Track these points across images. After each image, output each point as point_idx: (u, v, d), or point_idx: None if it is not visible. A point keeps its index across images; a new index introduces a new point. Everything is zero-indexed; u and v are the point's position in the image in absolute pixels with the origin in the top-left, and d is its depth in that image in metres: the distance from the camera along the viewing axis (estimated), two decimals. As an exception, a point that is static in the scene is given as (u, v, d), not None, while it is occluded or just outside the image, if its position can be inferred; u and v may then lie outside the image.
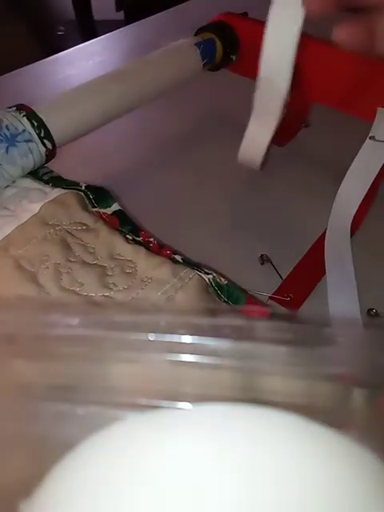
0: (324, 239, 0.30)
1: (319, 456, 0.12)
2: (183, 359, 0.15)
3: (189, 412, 0.14)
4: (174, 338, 0.16)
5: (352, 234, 0.31)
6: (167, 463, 0.12)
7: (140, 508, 0.11)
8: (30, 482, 0.13)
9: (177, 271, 0.22)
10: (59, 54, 0.60)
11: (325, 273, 0.29)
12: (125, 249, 0.23)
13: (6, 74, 0.54)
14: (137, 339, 0.16)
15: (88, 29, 1.24)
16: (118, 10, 1.25)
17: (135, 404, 0.14)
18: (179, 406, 0.14)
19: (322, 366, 0.16)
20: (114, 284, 0.22)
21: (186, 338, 0.16)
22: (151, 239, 0.24)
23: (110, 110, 0.29)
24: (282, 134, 0.36)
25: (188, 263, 0.23)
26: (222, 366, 0.16)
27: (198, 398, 0.14)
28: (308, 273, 0.29)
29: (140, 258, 0.23)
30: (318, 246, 0.30)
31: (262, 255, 0.31)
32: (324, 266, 0.29)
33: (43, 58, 0.59)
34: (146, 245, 0.24)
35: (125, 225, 0.25)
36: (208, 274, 0.23)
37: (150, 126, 0.42)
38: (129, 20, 1.25)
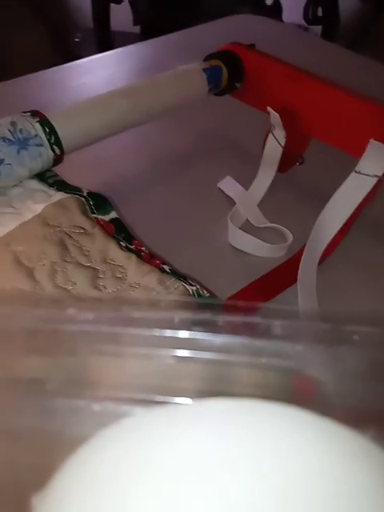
0: (300, 255, 0.33)
1: (325, 451, 0.12)
2: (196, 356, 0.15)
3: (198, 407, 0.14)
4: (188, 334, 0.16)
5: (323, 259, 0.33)
6: (177, 458, 0.12)
7: (150, 502, 0.11)
8: (43, 477, 0.13)
9: (163, 280, 0.24)
10: (76, 61, 0.63)
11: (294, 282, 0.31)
12: (117, 255, 0.25)
13: (23, 77, 0.57)
14: (151, 335, 0.16)
15: (104, 38, 1.28)
16: (135, 23, 1.28)
17: (146, 400, 0.14)
18: (189, 402, 0.14)
19: (334, 362, 0.16)
20: (104, 286, 0.23)
21: (200, 335, 0.16)
22: (143, 248, 0.26)
23: (117, 124, 0.31)
24: (284, 163, 0.39)
25: (175, 274, 0.25)
26: (233, 363, 0.16)
27: (209, 394, 0.14)
28: (280, 278, 0.32)
29: (131, 265, 0.24)
30: (293, 261, 0.33)
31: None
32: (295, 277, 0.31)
33: (59, 63, 0.62)
34: (137, 253, 0.26)
35: (120, 232, 0.27)
36: (192, 285, 0.24)
37: (153, 142, 0.44)
38: (144, 34, 1.29)
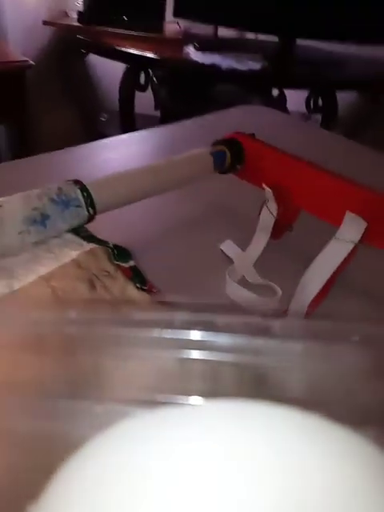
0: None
1: (326, 452, 0.12)
2: (198, 357, 0.16)
3: (201, 408, 0.14)
4: (189, 334, 0.16)
5: (307, 315, 0.38)
6: (178, 461, 0.12)
7: (148, 505, 0.11)
8: (44, 480, 0.13)
9: (169, 313, 0.30)
10: (103, 140, 0.73)
11: None
12: (134, 293, 0.31)
13: (58, 151, 0.66)
14: (153, 336, 0.16)
15: (128, 120, 1.44)
16: (156, 108, 1.46)
17: (150, 401, 0.14)
18: (192, 403, 0.14)
19: (335, 361, 0.16)
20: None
21: (202, 335, 0.16)
22: (154, 289, 0.32)
23: (139, 194, 0.39)
24: (276, 231, 0.46)
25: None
26: (233, 363, 0.16)
27: (210, 394, 0.14)
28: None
29: (143, 301, 0.31)
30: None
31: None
32: None
33: (87, 140, 0.72)
34: (149, 292, 0.32)
35: (136, 277, 0.33)
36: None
37: (168, 208, 0.52)
38: (164, 117, 1.45)
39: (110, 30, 1.47)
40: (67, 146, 0.67)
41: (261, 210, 0.46)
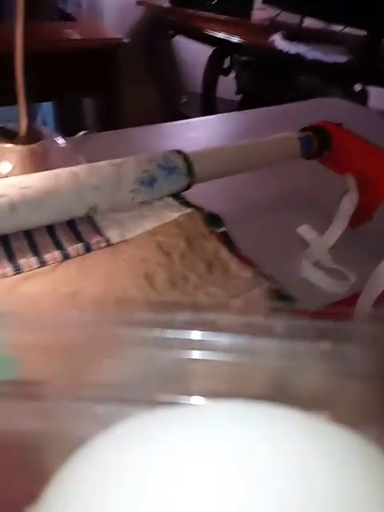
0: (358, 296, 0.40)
1: (326, 452, 0.12)
2: (199, 357, 0.15)
3: (202, 408, 0.14)
4: (190, 334, 0.16)
5: (377, 304, 0.40)
6: (179, 461, 0.12)
7: (150, 507, 0.11)
8: (42, 484, 0.12)
9: (256, 275, 0.33)
10: (186, 120, 0.77)
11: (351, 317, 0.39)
12: (224, 254, 0.35)
13: (142, 127, 0.71)
14: (153, 336, 0.16)
15: (209, 103, 1.47)
16: (237, 93, 1.48)
17: (150, 401, 0.14)
18: (193, 403, 0.14)
19: (336, 362, 0.16)
20: (214, 273, 0.33)
21: (202, 335, 0.16)
22: (242, 254, 0.36)
23: (232, 169, 0.43)
24: (355, 220, 0.48)
25: (262, 273, 0.34)
26: (234, 363, 0.16)
27: (213, 395, 0.14)
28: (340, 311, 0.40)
29: (233, 262, 0.34)
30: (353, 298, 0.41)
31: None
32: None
33: (168, 119, 0.76)
34: (238, 255, 0.36)
35: (227, 240, 0.37)
36: (277, 285, 0.34)
37: (251, 188, 0.56)
38: (243, 103, 1.47)
39: (198, 13, 1.50)
40: (148, 123, 0.70)
41: (341, 199, 0.48)
